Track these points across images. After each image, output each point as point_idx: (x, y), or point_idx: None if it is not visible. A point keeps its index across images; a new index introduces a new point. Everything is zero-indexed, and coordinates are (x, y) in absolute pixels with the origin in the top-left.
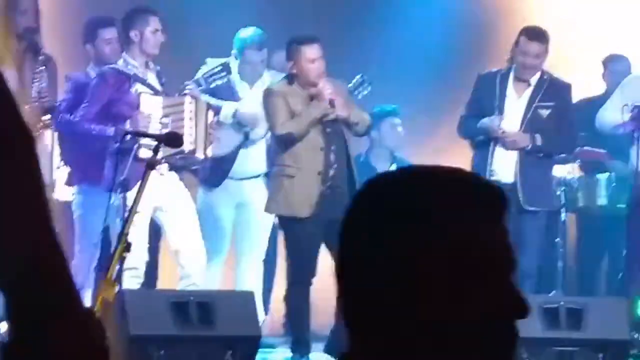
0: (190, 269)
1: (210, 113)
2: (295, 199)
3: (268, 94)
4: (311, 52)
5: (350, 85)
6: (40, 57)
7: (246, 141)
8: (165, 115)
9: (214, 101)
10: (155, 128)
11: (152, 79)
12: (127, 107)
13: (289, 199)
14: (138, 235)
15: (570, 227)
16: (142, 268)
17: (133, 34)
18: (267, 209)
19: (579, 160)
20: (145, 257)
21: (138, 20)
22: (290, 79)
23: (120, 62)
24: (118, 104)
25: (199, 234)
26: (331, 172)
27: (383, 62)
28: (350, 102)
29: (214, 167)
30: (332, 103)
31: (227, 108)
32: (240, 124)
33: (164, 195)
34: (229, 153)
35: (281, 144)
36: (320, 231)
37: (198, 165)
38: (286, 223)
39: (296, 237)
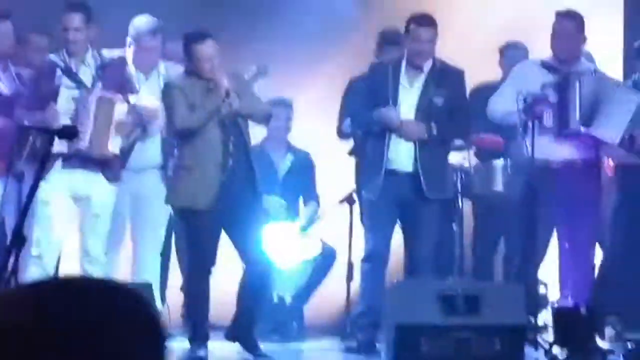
0: (91, 268)
1: (119, 108)
2: (195, 190)
3: (166, 88)
4: (204, 50)
5: (246, 75)
6: None
7: (143, 134)
8: (75, 110)
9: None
10: (63, 122)
11: (85, 73)
12: (47, 98)
13: (188, 190)
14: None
15: (467, 213)
16: (50, 257)
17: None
18: (167, 201)
19: (475, 147)
20: (57, 247)
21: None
22: (188, 73)
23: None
24: (41, 94)
25: (105, 232)
26: (230, 163)
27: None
28: (246, 92)
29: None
30: (227, 93)
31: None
32: (138, 116)
33: (82, 187)
34: (125, 146)
35: (180, 137)
36: (219, 221)
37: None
38: (186, 214)
39: (196, 228)
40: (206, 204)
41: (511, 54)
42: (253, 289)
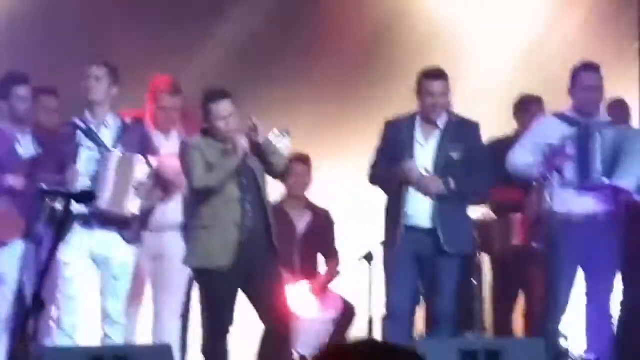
0: (111, 330)
1: (139, 168)
2: (213, 250)
3: (184, 147)
4: (221, 110)
5: (269, 136)
6: None
7: (165, 195)
8: (95, 170)
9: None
10: (83, 183)
11: (105, 134)
12: (68, 160)
13: (206, 250)
14: (73, 289)
15: (486, 267)
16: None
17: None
18: (185, 262)
19: (493, 201)
20: (82, 313)
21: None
22: (205, 132)
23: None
24: (62, 156)
25: (125, 294)
26: (248, 222)
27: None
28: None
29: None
30: (246, 155)
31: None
32: (159, 177)
33: (102, 247)
34: (146, 206)
35: (198, 197)
36: (237, 281)
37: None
38: (204, 275)
39: (214, 288)
40: (224, 264)
41: (527, 107)
42: (273, 348)
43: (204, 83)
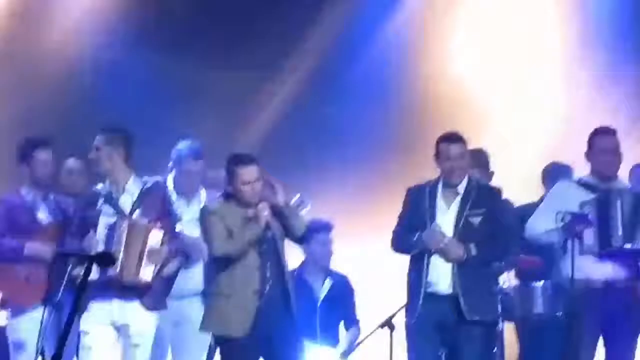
0: None
1: (155, 235)
2: (231, 319)
3: (204, 212)
4: (247, 175)
5: (291, 202)
6: None
7: (187, 262)
8: (108, 237)
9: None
10: (100, 249)
11: (126, 201)
12: (88, 227)
13: (224, 318)
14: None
15: (508, 335)
16: None
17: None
18: (202, 328)
19: (515, 268)
20: None
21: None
22: (227, 197)
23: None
24: (82, 222)
25: None
26: (267, 289)
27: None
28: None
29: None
30: (268, 226)
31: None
32: (181, 244)
33: (120, 315)
34: (170, 274)
35: (218, 264)
36: (257, 348)
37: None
38: (222, 342)
39: (233, 355)
40: (242, 331)
41: (555, 174)
42: None
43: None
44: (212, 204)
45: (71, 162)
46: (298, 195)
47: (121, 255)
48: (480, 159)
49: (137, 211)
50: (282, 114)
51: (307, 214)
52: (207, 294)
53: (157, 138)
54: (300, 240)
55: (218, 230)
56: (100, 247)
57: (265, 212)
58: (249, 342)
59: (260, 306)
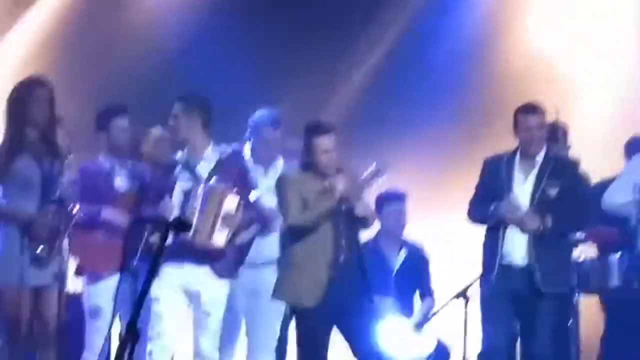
0: None
1: (230, 200)
2: (302, 290)
3: (281, 182)
4: (323, 143)
5: (365, 173)
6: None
7: (263, 230)
8: (184, 202)
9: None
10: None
11: (203, 168)
12: (164, 194)
13: (296, 287)
14: (163, 325)
15: (584, 309)
16: (162, 355)
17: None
18: (274, 296)
19: (592, 241)
20: (171, 349)
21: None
22: (305, 167)
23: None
24: (159, 189)
25: (217, 329)
26: (341, 260)
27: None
28: (360, 192)
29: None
30: (342, 199)
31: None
32: (258, 213)
33: (192, 282)
34: (244, 243)
35: (291, 234)
36: (330, 319)
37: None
38: (295, 312)
39: (305, 325)
40: (314, 301)
41: (636, 147)
42: None
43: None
44: (289, 173)
45: (157, 131)
46: (374, 165)
47: (195, 219)
48: (557, 132)
49: (214, 178)
50: (363, 86)
51: (382, 183)
52: (281, 263)
53: (237, 108)
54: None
55: (293, 200)
56: (176, 213)
57: (340, 185)
58: (322, 311)
59: (334, 277)
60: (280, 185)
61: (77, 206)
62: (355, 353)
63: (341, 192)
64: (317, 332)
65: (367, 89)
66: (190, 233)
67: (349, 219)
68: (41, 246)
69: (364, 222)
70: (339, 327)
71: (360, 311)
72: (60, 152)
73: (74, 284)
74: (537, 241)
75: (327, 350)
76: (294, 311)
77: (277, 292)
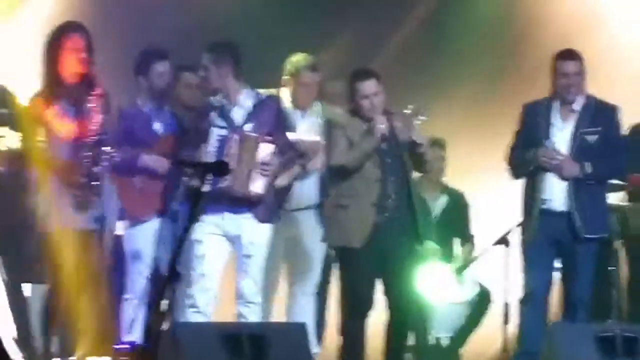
0: (245, 310)
1: (265, 147)
2: (350, 230)
3: (328, 125)
4: (365, 88)
5: (408, 112)
6: (96, 92)
7: (303, 172)
8: (219, 148)
9: None
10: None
11: (238, 113)
12: (200, 139)
13: (343, 230)
14: (205, 267)
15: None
16: (204, 297)
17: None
18: (324, 239)
19: (632, 187)
20: (214, 290)
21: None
22: (351, 111)
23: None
24: (195, 134)
25: (258, 272)
26: (389, 203)
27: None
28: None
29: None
30: (384, 137)
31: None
32: (299, 156)
33: (232, 226)
34: (285, 185)
35: (337, 175)
36: (375, 262)
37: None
38: (342, 254)
39: (351, 267)
40: (359, 245)
41: None
42: (395, 336)
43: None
44: (337, 116)
45: (188, 76)
46: (412, 106)
47: (233, 168)
48: None
49: (249, 124)
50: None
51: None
52: (326, 206)
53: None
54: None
55: (339, 141)
56: (212, 159)
57: (381, 125)
58: (367, 254)
59: (380, 220)
60: (327, 128)
61: (108, 148)
62: (388, 301)
63: (382, 131)
64: (361, 274)
65: (410, 38)
66: (227, 181)
67: (397, 162)
68: (80, 192)
69: (419, 161)
70: (382, 273)
71: (404, 259)
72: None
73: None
74: (576, 187)
75: (372, 294)
76: (338, 253)
77: (327, 236)
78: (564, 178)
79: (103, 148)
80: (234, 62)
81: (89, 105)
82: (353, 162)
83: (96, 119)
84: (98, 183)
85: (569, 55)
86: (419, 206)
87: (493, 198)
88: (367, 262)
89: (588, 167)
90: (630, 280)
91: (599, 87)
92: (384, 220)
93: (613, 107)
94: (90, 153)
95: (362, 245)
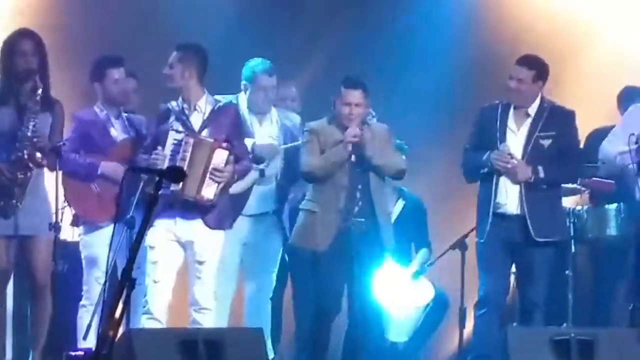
0: (198, 316)
1: (219, 154)
2: (315, 234)
3: (306, 130)
4: (348, 97)
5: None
6: (38, 97)
7: (260, 178)
8: (174, 152)
9: None
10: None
11: (197, 119)
12: (157, 144)
13: (309, 232)
14: (158, 273)
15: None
16: (157, 303)
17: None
18: (291, 241)
19: (588, 191)
20: (167, 297)
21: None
22: (330, 118)
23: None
24: (152, 139)
25: (213, 280)
26: (355, 209)
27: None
28: (387, 145)
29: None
30: (355, 147)
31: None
32: (256, 161)
33: (184, 232)
34: (244, 191)
35: (306, 180)
36: (342, 266)
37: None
38: (302, 254)
39: (319, 272)
40: (323, 246)
41: (629, 97)
42: (355, 340)
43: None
44: (314, 122)
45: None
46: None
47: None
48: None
49: (206, 130)
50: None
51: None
52: (282, 213)
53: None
54: (399, 176)
55: (312, 147)
56: (167, 164)
57: (350, 137)
58: (331, 259)
59: (346, 225)
60: (305, 132)
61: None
62: (351, 304)
63: (353, 141)
64: (330, 279)
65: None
66: (179, 186)
67: (364, 171)
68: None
69: (383, 170)
70: (348, 276)
71: (368, 263)
72: (51, 104)
73: (70, 233)
74: (530, 191)
75: (336, 299)
76: (299, 253)
77: (293, 238)
78: (517, 182)
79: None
80: (200, 64)
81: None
82: (320, 170)
83: (29, 124)
84: (16, 190)
85: (523, 61)
86: (383, 214)
87: (451, 202)
88: (332, 267)
89: (541, 171)
90: (594, 283)
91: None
92: (351, 226)
93: (569, 112)
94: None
95: (326, 249)
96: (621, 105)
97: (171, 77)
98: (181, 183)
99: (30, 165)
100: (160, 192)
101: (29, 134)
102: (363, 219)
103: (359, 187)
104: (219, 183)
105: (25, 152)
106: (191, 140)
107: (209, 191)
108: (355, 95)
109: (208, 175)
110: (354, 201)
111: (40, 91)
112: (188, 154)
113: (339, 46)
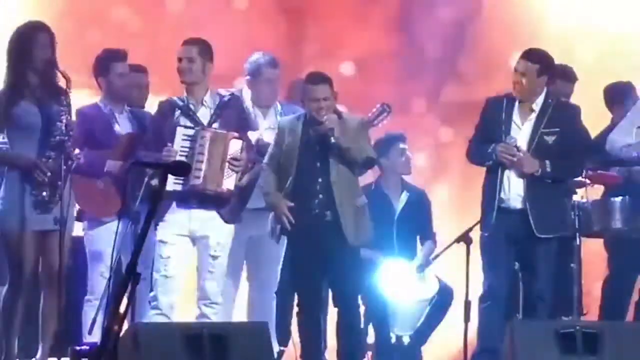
0: (207, 310)
1: (234, 144)
2: (296, 228)
3: (277, 125)
4: (315, 92)
5: (370, 114)
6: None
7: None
8: (189, 148)
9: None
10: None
11: (203, 113)
12: (165, 139)
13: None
14: (170, 269)
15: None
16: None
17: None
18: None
19: (593, 184)
20: (177, 292)
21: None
22: (300, 115)
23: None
24: (159, 134)
25: (222, 273)
26: (315, 202)
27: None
28: (360, 133)
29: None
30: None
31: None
32: (260, 154)
33: (200, 226)
34: (246, 185)
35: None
36: (317, 262)
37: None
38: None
39: (295, 266)
40: (298, 245)
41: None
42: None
43: None
44: (284, 118)
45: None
46: (378, 105)
47: (204, 166)
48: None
49: (215, 124)
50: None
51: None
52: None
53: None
54: (366, 166)
55: (275, 143)
56: (179, 159)
57: (317, 129)
58: (308, 254)
59: (309, 220)
60: (276, 129)
61: (77, 150)
62: (333, 298)
63: (324, 131)
64: (304, 273)
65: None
66: (201, 179)
67: (325, 163)
68: (44, 192)
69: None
70: (324, 270)
71: (341, 257)
72: (61, 97)
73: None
74: (533, 186)
75: (317, 294)
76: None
77: (273, 235)
78: (522, 175)
79: (70, 149)
80: (211, 60)
81: (53, 104)
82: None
83: (62, 119)
84: (60, 183)
85: (525, 54)
86: (345, 206)
87: (456, 195)
88: (311, 264)
89: (548, 166)
90: (609, 277)
91: None
92: (315, 220)
93: (574, 107)
94: (54, 153)
95: (301, 244)
96: (613, 101)
97: (190, 71)
98: (202, 177)
99: (68, 160)
100: (180, 187)
101: (63, 128)
102: (327, 212)
103: (319, 180)
104: (237, 172)
105: (66, 146)
106: (208, 134)
107: (229, 182)
108: (321, 91)
109: (227, 166)
110: (314, 193)
111: (67, 83)
112: (206, 148)
113: None
